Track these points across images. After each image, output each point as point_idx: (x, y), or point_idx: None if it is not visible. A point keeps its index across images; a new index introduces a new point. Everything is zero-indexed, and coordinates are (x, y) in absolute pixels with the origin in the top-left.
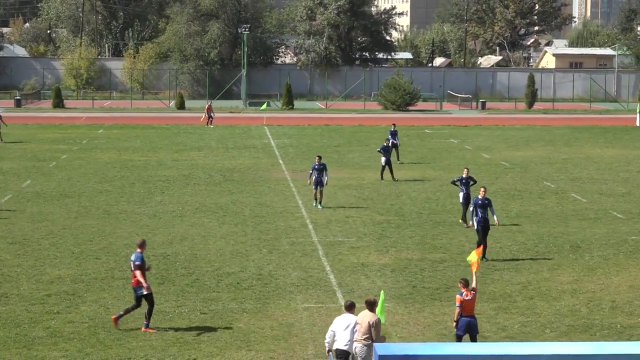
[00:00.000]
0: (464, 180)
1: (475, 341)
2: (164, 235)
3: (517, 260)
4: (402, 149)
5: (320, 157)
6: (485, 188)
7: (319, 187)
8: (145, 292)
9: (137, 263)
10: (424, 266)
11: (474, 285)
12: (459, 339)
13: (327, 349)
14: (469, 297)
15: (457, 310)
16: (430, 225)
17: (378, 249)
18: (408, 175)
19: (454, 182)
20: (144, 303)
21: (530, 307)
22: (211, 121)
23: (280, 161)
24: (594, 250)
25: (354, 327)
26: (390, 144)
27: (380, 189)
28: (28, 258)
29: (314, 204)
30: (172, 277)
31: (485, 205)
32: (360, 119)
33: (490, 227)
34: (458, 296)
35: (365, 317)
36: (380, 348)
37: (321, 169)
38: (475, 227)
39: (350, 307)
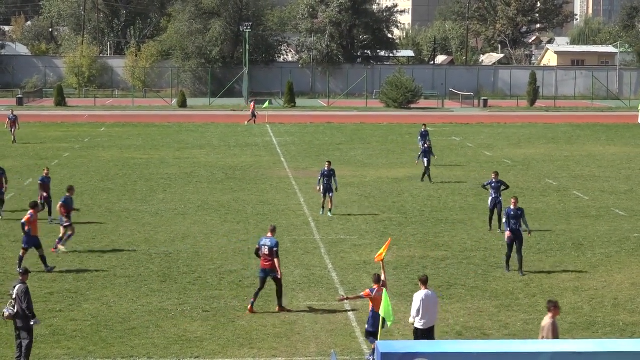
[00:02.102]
0: (493, 184)
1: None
2: (166, 233)
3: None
4: (403, 147)
5: (330, 163)
6: (516, 198)
7: (328, 195)
8: (278, 276)
9: (275, 249)
10: (426, 264)
11: (383, 278)
12: (367, 334)
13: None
14: (379, 294)
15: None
16: (432, 223)
17: (380, 246)
18: (410, 173)
19: (484, 186)
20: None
21: (533, 305)
22: (254, 120)
23: (282, 159)
24: (596, 247)
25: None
26: (428, 146)
27: (382, 187)
28: (30, 256)
29: (321, 213)
30: (174, 275)
31: (518, 216)
32: (362, 116)
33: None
34: (367, 291)
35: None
36: (382, 346)
37: (330, 175)
38: (506, 240)
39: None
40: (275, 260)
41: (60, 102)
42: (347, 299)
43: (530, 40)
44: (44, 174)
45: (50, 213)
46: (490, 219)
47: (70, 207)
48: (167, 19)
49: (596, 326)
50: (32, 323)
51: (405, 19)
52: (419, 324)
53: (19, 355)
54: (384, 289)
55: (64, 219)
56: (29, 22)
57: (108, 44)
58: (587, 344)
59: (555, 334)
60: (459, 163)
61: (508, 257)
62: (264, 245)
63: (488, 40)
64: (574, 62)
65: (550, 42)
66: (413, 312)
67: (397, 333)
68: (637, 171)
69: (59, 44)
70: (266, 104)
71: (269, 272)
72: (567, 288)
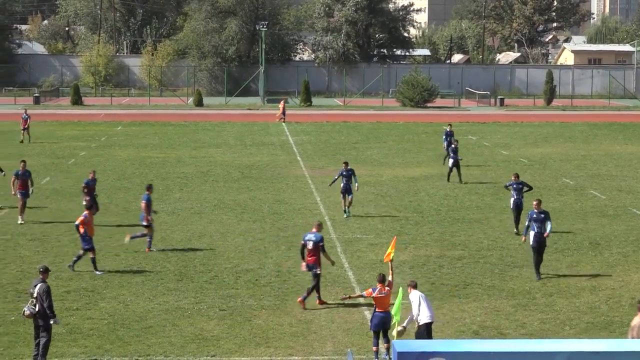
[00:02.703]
0: (515, 186)
1: (386, 336)
2: (182, 232)
3: None
4: (420, 146)
5: (347, 163)
6: (539, 201)
7: (346, 196)
8: (318, 272)
9: (321, 244)
10: (442, 263)
11: (390, 279)
12: (374, 334)
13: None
14: (382, 294)
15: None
16: (448, 222)
17: (397, 246)
18: (426, 172)
19: (506, 187)
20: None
21: (550, 304)
22: (284, 118)
23: (299, 158)
24: (613, 247)
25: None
26: (456, 146)
27: (399, 186)
28: (47, 254)
29: (345, 216)
30: (190, 274)
31: (542, 219)
32: (378, 115)
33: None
34: (370, 290)
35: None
36: (399, 345)
37: (349, 175)
38: (531, 243)
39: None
40: (322, 254)
41: (77, 101)
42: (350, 297)
43: (547, 39)
44: (90, 177)
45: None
46: (516, 220)
47: (151, 206)
48: (183, 17)
49: (613, 326)
50: (51, 322)
51: (422, 18)
52: (425, 318)
53: (37, 353)
54: (400, 288)
55: (145, 219)
56: (45, 21)
57: (124, 42)
58: (604, 344)
59: None
60: (475, 162)
61: (536, 262)
62: (309, 240)
63: (504, 39)
64: (591, 60)
65: (567, 40)
66: (415, 311)
67: (414, 332)
68: None
69: (76, 42)
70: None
71: (311, 267)
72: (584, 287)
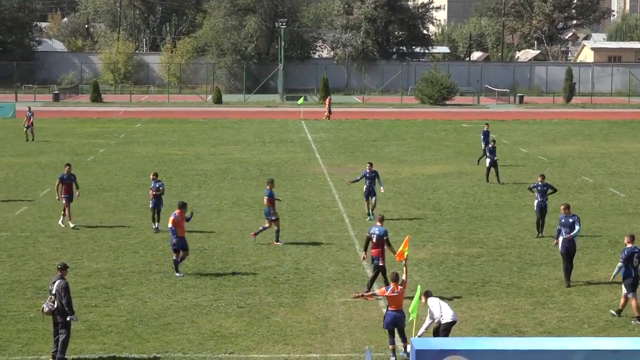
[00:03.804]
0: (539, 188)
1: (403, 334)
2: (201, 229)
3: (555, 255)
4: (438, 143)
5: (371, 164)
6: (567, 205)
7: (370, 198)
8: (381, 264)
9: (385, 238)
10: (461, 261)
11: (404, 278)
12: (389, 333)
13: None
14: (395, 293)
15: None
16: (467, 220)
17: (415, 243)
18: (445, 170)
19: (530, 189)
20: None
21: (568, 302)
22: (328, 116)
23: (317, 155)
24: None
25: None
26: (492, 146)
27: (417, 184)
28: (66, 251)
29: (368, 218)
30: (209, 271)
31: (570, 223)
32: (397, 113)
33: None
34: (383, 289)
35: None
36: (417, 343)
37: (373, 177)
38: (560, 249)
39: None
40: (387, 247)
41: (96, 98)
42: (362, 296)
43: (567, 37)
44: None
45: (156, 220)
46: (538, 223)
47: (274, 199)
48: (203, 15)
49: (632, 324)
50: (68, 319)
51: (441, 15)
52: (448, 317)
53: (56, 350)
54: (418, 286)
55: (271, 212)
56: (65, 19)
57: (144, 40)
58: (623, 342)
59: None
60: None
61: (565, 269)
62: (374, 234)
63: (524, 37)
64: (611, 58)
65: (586, 38)
66: (437, 313)
67: (432, 329)
68: None
69: (95, 40)
70: (301, 100)
71: (374, 259)
72: (603, 286)
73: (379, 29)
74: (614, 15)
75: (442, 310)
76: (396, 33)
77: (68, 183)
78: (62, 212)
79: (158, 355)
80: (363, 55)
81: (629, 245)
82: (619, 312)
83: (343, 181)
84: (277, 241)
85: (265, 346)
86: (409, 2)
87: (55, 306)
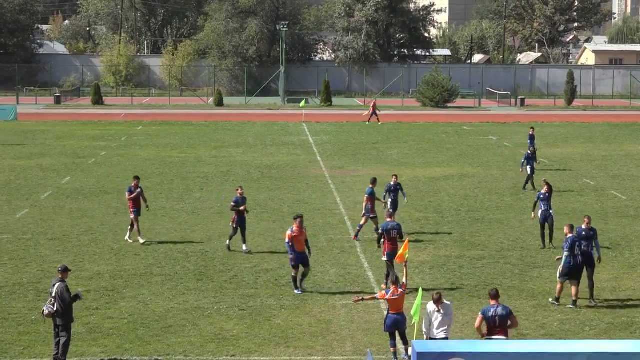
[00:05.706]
0: (542, 196)
1: (404, 337)
2: (202, 231)
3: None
4: (440, 146)
5: (396, 177)
6: (589, 218)
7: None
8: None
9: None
10: (462, 263)
11: (404, 281)
12: (390, 336)
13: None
14: (395, 296)
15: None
16: (468, 223)
17: (416, 246)
18: (446, 172)
19: (537, 201)
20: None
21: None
22: (377, 118)
23: (319, 158)
24: (634, 247)
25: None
26: (532, 152)
27: (419, 186)
28: (68, 254)
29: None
30: (210, 274)
31: (590, 237)
32: (398, 115)
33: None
34: (383, 292)
35: None
36: (418, 345)
37: (397, 190)
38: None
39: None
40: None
41: (98, 100)
42: (363, 299)
43: (568, 39)
44: (238, 194)
45: (244, 240)
46: (542, 234)
47: (375, 198)
48: (204, 17)
49: (634, 326)
50: (75, 294)
51: (442, 18)
52: (440, 335)
53: (57, 352)
54: (420, 289)
55: (371, 211)
56: (66, 21)
57: (145, 42)
58: (624, 345)
59: None
60: (495, 162)
61: (589, 286)
62: (393, 229)
63: (525, 39)
64: (612, 61)
65: (588, 40)
66: (425, 327)
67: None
68: None
69: (97, 42)
70: (302, 102)
71: (393, 255)
72: (604, 288)
73: (381, 31)
74: (615, 17)
75: (431, 326)
76: (397, 36)
77: (136, 197)
78: (129, 227)
79: (159, 358)
80: (364, 58)
81: (569, 235)
82: (557, 299)
83: (348, 188)
84: (356, 237)
85: (267, 349)
86: (410, 5)
87: (55, 308)
